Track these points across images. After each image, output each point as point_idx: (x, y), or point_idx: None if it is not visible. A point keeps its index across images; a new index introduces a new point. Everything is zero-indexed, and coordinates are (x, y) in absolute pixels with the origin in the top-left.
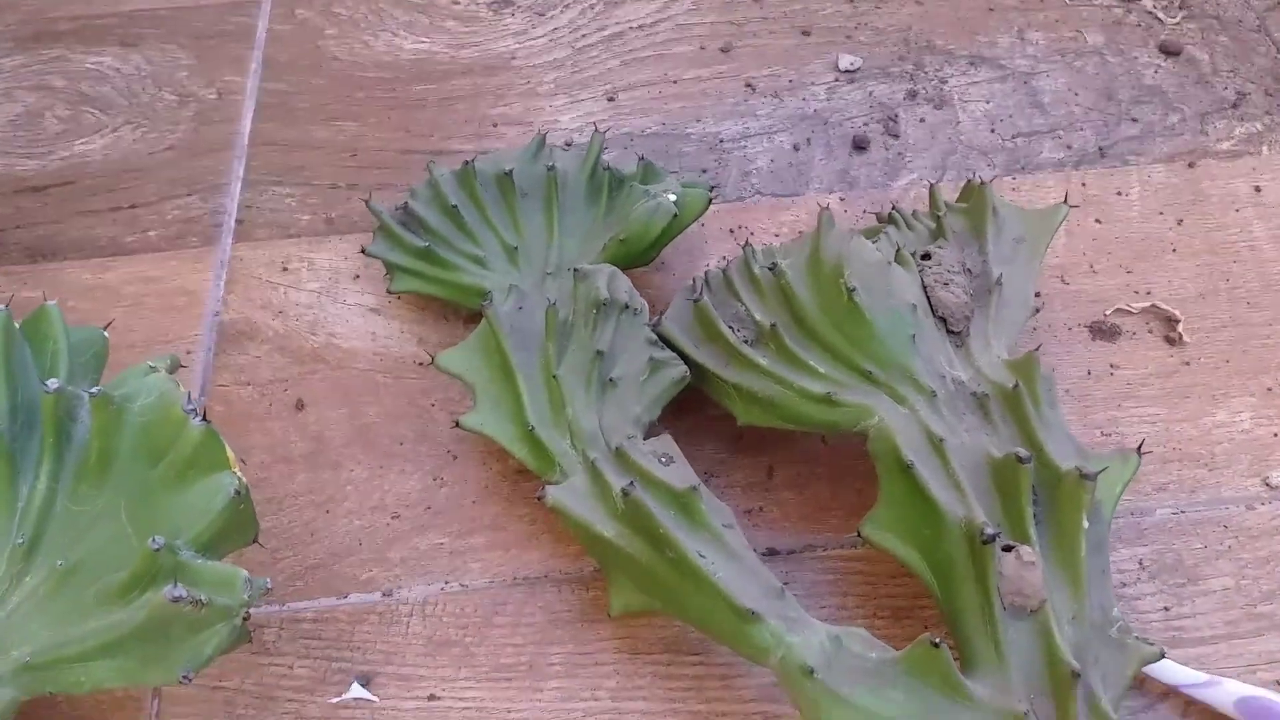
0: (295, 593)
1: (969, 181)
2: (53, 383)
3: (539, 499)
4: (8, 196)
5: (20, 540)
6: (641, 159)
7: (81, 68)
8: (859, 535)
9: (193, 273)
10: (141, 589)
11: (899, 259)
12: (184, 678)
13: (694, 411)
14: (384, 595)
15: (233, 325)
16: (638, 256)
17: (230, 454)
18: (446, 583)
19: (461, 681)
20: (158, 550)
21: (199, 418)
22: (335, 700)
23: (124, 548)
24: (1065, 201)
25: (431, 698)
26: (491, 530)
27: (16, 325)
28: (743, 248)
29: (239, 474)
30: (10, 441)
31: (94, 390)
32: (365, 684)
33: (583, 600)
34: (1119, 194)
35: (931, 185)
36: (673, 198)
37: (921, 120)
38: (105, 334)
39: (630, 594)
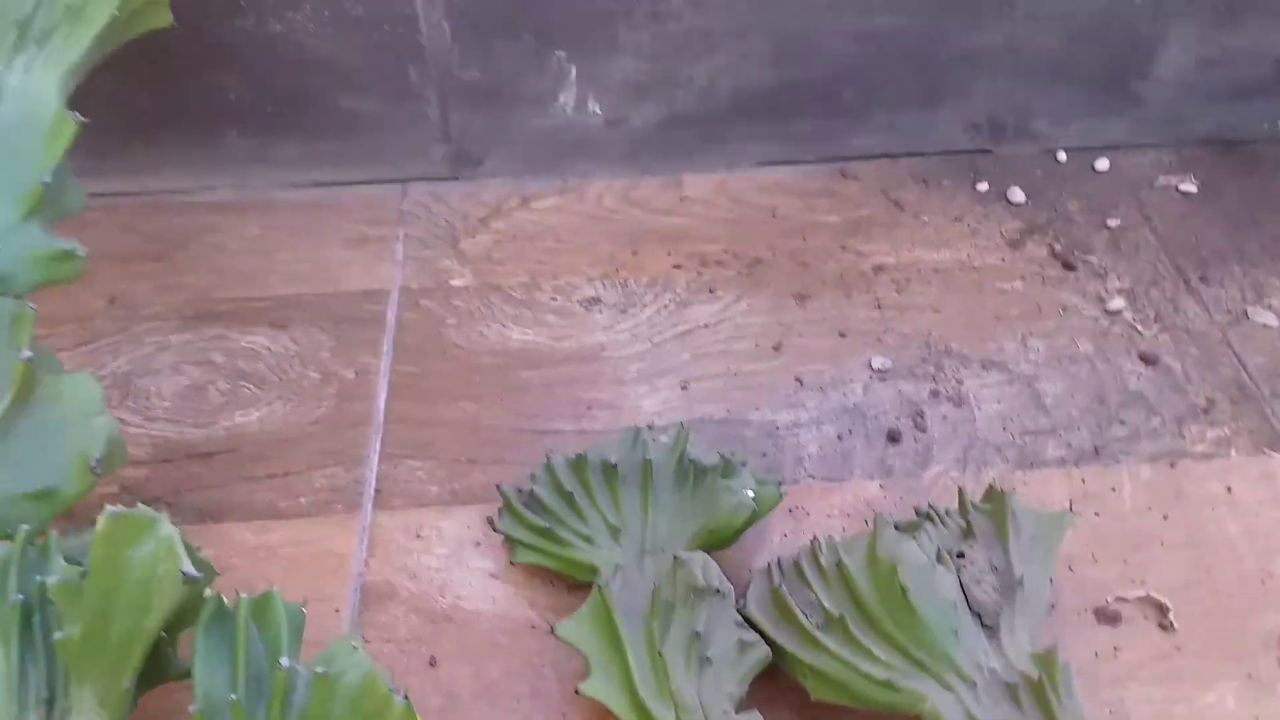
0: None
1: (990, 486)
2: (284, 661)
3: None
4: (180, 462)
5: None
6: (722, 456)
7: (238, 346)
8: None
9: (339, 537)
10: None
11: (939, 559)
12: None
13: (768, 681)
14: None
15: (374, 586)
16: (721, 542)
17: None
18: None
19: None
20: None
21: (400, 696)
22: None
23: None
24: (1070, 509)
25: None
26: None
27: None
28: (811, 542)
29: None
30: (246, 708)
31: (318, 670)
32: None
33: None
34: (1113, 490)
35: (960, 489)
36: (750, 494)
37: (944, 417)
38: (303, 610)
39: None
